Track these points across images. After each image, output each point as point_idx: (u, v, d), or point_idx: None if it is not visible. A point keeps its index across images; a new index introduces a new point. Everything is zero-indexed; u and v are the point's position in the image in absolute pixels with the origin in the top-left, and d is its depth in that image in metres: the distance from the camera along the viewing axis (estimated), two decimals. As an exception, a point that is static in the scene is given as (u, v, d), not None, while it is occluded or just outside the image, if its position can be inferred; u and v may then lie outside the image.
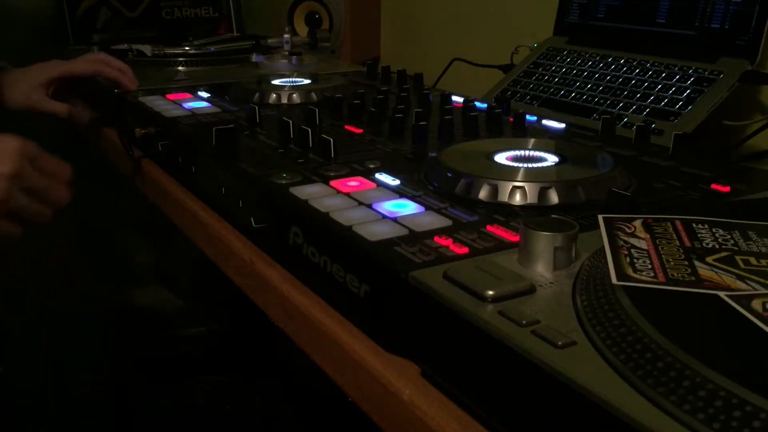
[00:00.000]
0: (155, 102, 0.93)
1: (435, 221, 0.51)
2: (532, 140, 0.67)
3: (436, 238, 0.47)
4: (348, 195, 0.57)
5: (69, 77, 1.04)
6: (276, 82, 1.00)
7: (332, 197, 0.56)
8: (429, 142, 0.73)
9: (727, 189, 0.59)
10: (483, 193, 0.55)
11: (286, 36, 1.30)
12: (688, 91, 0.85)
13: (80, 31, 1.48)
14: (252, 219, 0.61)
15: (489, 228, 0.49)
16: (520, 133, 0.80)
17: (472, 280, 0.39)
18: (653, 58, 0.93)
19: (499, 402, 0.36)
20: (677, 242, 0.41)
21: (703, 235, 0.42)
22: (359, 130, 0.78)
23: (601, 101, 0.92)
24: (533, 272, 0.41)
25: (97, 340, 1.51)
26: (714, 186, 0.59)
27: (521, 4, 1.22)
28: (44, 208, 0.73)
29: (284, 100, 0.93)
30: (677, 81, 0.88)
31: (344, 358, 0.48)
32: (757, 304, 0.34)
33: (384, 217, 0.52)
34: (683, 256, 0.39)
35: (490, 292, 0.38)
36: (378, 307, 0.46)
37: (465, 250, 0.46)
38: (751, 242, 0.41)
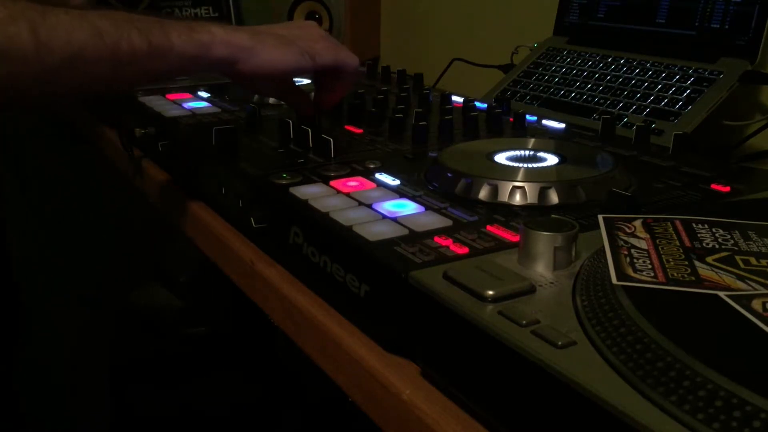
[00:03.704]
0: (155, 102, 0.93)
1: (435, 221, 0.51)
2: (532, 140, 0.67)
3: (436, 238, 0.47)
4: (348, 195, 0.57)
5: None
6: (276, 82, 1.00)
7: (332, 197, 0.56)
8: (429, 142, 0.73)
9: (727, 189, 0.59)
10: (483, 193, 0.55)
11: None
12: (688, 91, 0.85)
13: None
14: (252, 219, 0.61)
15: (489, 228, 0.49)
16: (520, 133, 0.80)
17: (472, 280, 0.39)
18: (653, 58, 0.93)
19: (499, 402, 0.36)
20: (677, 242, 0.41)
21: (703, 235, 0.42)
22: (359, 130, 0.78)
23: (601, 101, 0.92)
24: (533, 272, 0.41)
25: (97, 340, 1.51)
26: (714, 186, 0.59)
27: (521, 4, 1.22)
28: None
29: (284, 100, 0.93)
30: (677, 81, 0.88)
31: (344, 358, 0.48)
32: (757, 304, 0.34)
33: (384, 217, 0.52)
34: (683, 256, 0.39)
35: (490, 292, 0.38)
36: (378, 307, 0.46)
37: (465, 250, 0.46)
38: (751, 242, 0.41)
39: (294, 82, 0.76)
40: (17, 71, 0.50)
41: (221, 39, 0.61)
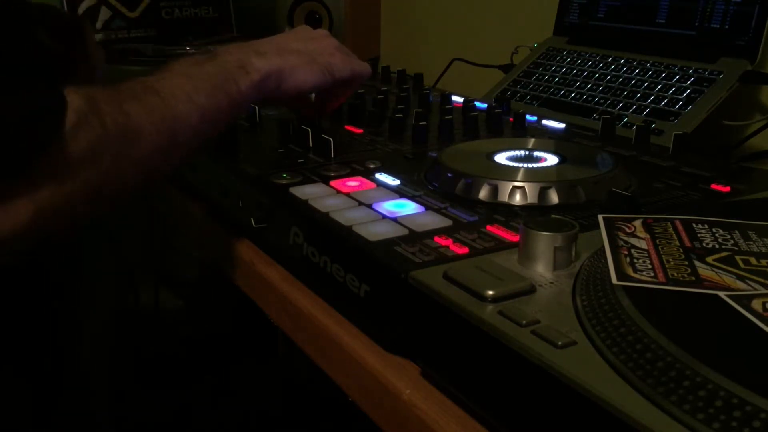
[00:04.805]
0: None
1: (435, 221, 0.51)
2: (532, 140, 0.67)
3: (436, 238, 0.47)
4: (348, 195, 0.57)
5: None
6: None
7: (332, 197, 0.56)
8: (429, 142, 0.74)
9: (727, 189, 0.59)
10: (483, 193, 0.55)
11: (286, 36, 1.30)
12: (688, 91, 0.85)
13: (80, 31, 1.48)
14: (252, 219, 0.61)
15: (489, 228, 0.49)
16: (520, 133, 0.80)
17: (472, 280, 0.39)
18: (653, 58, 0.93)
19: (499, 402, 0.36)
20: (677, 242, 0.41)
21: (703, 235, 0.42)
22: (359, 130, 0.78)
23: (601, 101, 0.92)
24: (533, 272, 0.41)
25: (98, 340, 1.51)
26: (714, 186, 0.59)
27: (521, 4, 1.22)
28: None
29: (284, 100, 0.93)
30: (677, 81, 0.88)
31: (344, 358, 0.48)
32: (757, 304, 0.34)
33: (384, 217, 0.52)
34: (683, 256, 0.39)
35: (490, 292, 0.38)
36: (378, 307, 0.46)
37: (465, 250, 0.46)
38: (751, 242, 0.41)
39: None
40: (158, 172, 0.55)
41: (266, 72, 0.63)
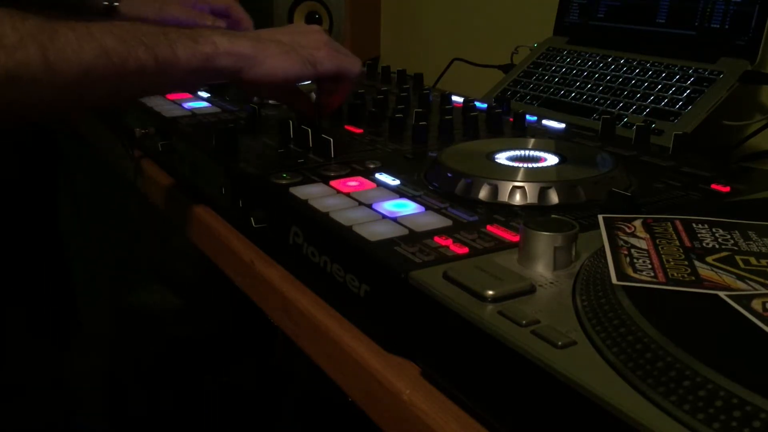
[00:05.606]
0: (155, 102, 0.93)
1: (435, 221, 0.51)
2: (532, 140, 0.68)
3: (436, 238, 0.47)
4: (348, 195, 0.57)
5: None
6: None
7: (332, 197, 0.56)
8: (429, 142, 0.73)
9: (727, 189, 0.59)
10: (483, 193, 0.55)
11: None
12: (688, 91, 0.85)
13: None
14: (252, 219, 0.61)
15: (489, 228, 0.49)
16: (520, 133, 0.80)
17: (472, 280, 0.39)
18: (653, 58, 0.93)
19: (499, 402, 0.36)
20: (677, 242, 0.41)
21: (703, 235, 0.42)
22: (359, 130, 0.78)
23: (601, 101, 0.92)
24: (533, 272, 0.41)
25: (98, 340, 1.51)
26: (714, 186, 0.59)
27: (521, 4, 1.22)
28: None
29: (284, 100, 0.93)
30: (677, 81, 0.88)
31: (344, 358, 0.48)
32: (757, 304, 0.34)
33: (384, 217, 0.52)
34: (683, 256, 0.39)
35: (490, 292, 0.38)
36: (378, 307, 0.46)
37: (465, 250, 0.46)
38: (751, 242, 0.41)
39: (294, 85, 0.76)
40: (27, 93, 0.50)
41: (225, 49, 0.62)
